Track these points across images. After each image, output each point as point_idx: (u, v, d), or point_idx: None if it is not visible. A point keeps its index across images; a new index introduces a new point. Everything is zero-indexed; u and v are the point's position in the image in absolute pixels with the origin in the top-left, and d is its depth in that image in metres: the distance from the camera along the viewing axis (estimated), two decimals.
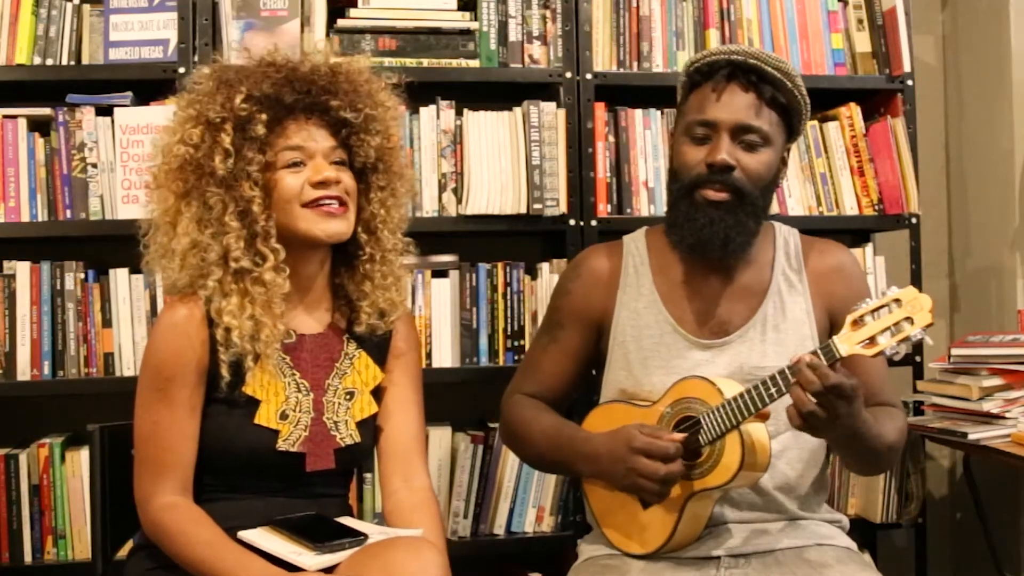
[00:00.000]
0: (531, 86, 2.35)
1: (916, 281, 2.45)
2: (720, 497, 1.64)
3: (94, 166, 2.20)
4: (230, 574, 1.42)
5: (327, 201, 1.56)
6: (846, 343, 1.44)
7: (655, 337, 1.73)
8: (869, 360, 1.47)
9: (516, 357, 2.29)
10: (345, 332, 1.67)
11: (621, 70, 2.39)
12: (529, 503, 2.29)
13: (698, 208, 1.67)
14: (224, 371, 1.53)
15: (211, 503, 1.55)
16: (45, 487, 2.16)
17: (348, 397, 1.64)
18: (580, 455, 1.69)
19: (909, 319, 1.40)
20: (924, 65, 2.82)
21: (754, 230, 1.71)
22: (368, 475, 2.24)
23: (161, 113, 2.12)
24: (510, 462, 2.27)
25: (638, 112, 2.38)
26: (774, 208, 2.36)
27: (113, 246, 2.07)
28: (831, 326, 1.72)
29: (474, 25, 2.32)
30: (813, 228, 2.02)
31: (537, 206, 2.27)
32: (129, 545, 1.70)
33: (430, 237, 2.22)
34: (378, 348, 1.69)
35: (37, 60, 2.22)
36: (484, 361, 2.31)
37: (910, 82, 2.46)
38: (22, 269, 2.19)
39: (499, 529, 2.29)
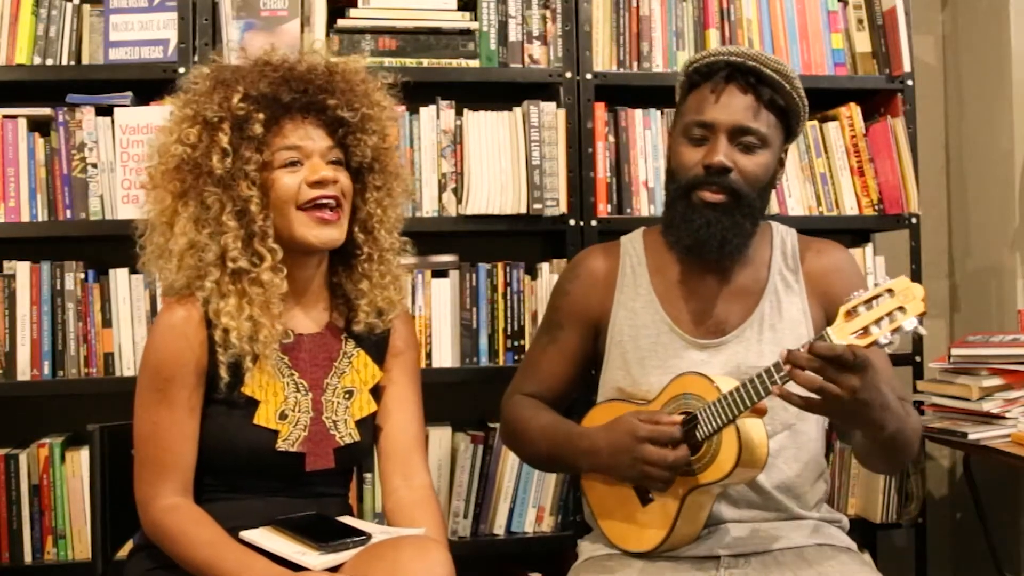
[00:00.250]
0: (531, 86, 2.35)
1: (916, 281, 2.43)
2: (719, 495, 1.64)
3: (94, 166, 2.20)
4: (233, 574, 1.42)
5: (324, 201, 1.56)
6: (840, 334, 1.44)
7: (652, 337, 1.73)
8: (873, 357, 1.47)
9: (516, 357, 2.29)
10: (343, 331, 1.67)
11: (621, 70, 2.39)
12: (529, 503, 2.29)
13: (695, 209, 1.68)
14: (223, 372, 1.53)
15: (211, 503, 1.55)
16: (45, 487, 2.16)
17: (347, 396, 1.64)
18: (579, 451, 1.69)
19: (902, 308, 1.40)
20: (924, 65, 2.82)
21: (750, 231, 1.71)
22: (368, 475, 2.24)
23: (161, 113, 2.12)
24: (510, 462, 2.27)
25: (638, 112, 2.38)
26: (774, 208, 2.37)
27: (113, 246, 2.07)
28: (828, 325, 1.72)
29: (474, 25, 2.32)
30: (813, 228, 2.02)
31: (537, 206, 2.27)
32: (129, 545, 1.70)
33: (430, 237, 2.23)
34: (376, 347, 1.69)
35: (37, 60, 2.22)
36: (484, 361, 2.31)
37: (910, 82, 2.46)
38: (22, 269, 2.19)
39: (499, 529, 2.29)
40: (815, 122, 2.45)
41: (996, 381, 2.23)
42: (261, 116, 1.53)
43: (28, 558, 2.15)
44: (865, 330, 1.42)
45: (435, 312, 2.29)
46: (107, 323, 2.20)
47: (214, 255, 1.53)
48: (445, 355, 2.29)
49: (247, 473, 1.57)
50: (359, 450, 1.65)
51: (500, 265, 2.32)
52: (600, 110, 2.35)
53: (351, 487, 1.88)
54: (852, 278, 1.77)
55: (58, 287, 2.19)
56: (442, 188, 2.30)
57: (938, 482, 2.85)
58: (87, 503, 2.10)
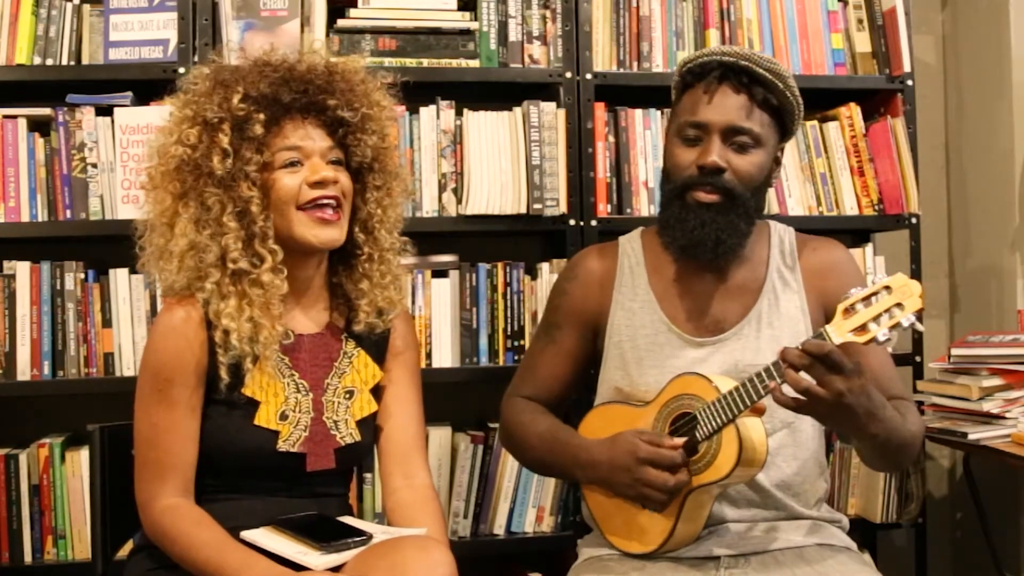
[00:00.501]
0: (531, 86, 2.35)
1: (916, 281, 2.44)
2: (719, 495, 1.64)
3: (94, 166, 2.20)
4: (234, 575, 1.42)
5: (324, 201, 1.56)
6: (838, 331, 1.44)
7: (650, 336, 1.73)
8: (874, 355, 1.47)
9: (516, 357, 2.29)
10: (343, 331, 1.67)
11: (621, 70, 2.39)
12: (529, 503, 2.29)
13: (689, 210, 1.68)
14: (223, 373, 1.52)
15: (212, 504, 1.55)
16: (45, 487, 2.16)
17: (347, 396, 1.64)
18: (578, 463, 1.69)
19: (900, 305, 1.40)
20: (924, 65, 2.82)
21: (746, 231, 1.71)
22: (368, 475, 2.24)
23: (161, 113, 2.12)
24: (510, 462, 2.27)
25: (638, 112, 2.38)
26: (774, 208, 2.38)
27: (113, 246, 2.06)
28: (826, 322, 1.72)
29: (474, 25, 2.32)
30: (813, 228, 2.02)
31: (537, 206, 2.27)
32: (129, 545, 1.70)
33: (430, 237, 2.23)
34: (376, 347, 1.69)
35: (37, 60, 2.22)
36: (484, 361, 2.31)
37: (910, 82, 2.46)
38: (22, 269, 2.19)
39: (499, 529, 2.29)
40: (815, 122, 2.45)
41: (996, 381, 2.23)
42: (261, 116, 1.53)
43: (28, 558, 2.15)
44: (863, 327, 1.43)
45: (435, 312, 2.29)
46: (107, 323, 2.20)
47: (214, 256, 1.53)
48: (445, 355, 2.29)
49: (248, 474, 1.57)
50: (360, 450, 1.65)
51: (500, 265, 2.32)
52: (600, 110, 2.35)
53: (351, 487, 1.88)
54: (850, 275, 1.77)
55: (58, 287, 2.19)
56: (442, 188, 2.29)
57: (938, 482, 2.85)
58: (87, 503, 2.10)
